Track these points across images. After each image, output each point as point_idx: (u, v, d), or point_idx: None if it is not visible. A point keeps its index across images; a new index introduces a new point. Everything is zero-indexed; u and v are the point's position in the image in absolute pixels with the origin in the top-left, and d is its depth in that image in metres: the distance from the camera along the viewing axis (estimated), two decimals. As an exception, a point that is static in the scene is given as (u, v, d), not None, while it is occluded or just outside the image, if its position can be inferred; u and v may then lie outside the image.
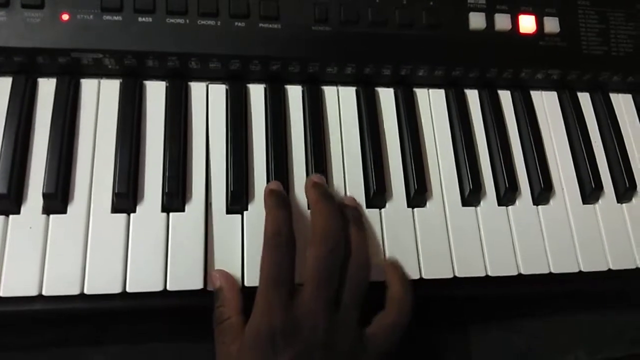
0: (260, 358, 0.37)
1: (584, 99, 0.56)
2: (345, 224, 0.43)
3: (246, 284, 0.43)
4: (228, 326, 0.40)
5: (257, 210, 0.45)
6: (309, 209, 0.46)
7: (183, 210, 0.44)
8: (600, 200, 0.52)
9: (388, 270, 0.45)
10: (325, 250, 0.40)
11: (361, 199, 0.48)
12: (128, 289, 0.41)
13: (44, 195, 0.42)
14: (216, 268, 0.43)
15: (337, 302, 0.40)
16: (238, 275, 0.43)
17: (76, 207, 0.43)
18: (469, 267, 0.47)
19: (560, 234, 0.50)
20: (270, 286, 0.39)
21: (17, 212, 0.42)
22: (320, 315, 0.39)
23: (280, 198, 0.43)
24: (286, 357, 0.37)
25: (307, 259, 0.41)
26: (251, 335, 0.38)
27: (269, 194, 0.43)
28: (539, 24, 0.53)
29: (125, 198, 0.43)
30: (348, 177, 0.48)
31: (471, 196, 0.49)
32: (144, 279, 0.42)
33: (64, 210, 0.43)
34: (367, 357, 0.40)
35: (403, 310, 0.42)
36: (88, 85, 0.47)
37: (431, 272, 0.46)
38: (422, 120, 0.52)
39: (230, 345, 0.39)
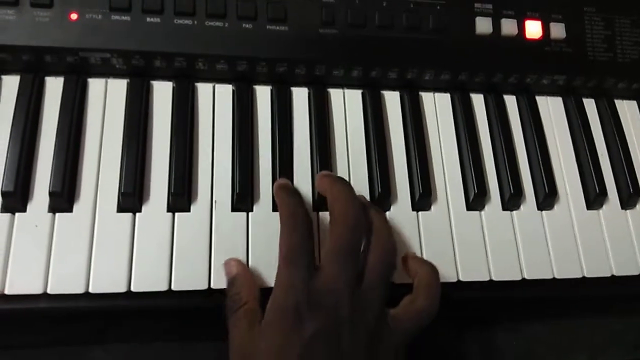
0: (286, 331, 0.37)
1: (589, 105, 0.56)
2: (363, 206, 0.43)
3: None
4: (245, 312, 0.39)
5: (262, 210, 0.46)
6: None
7: (188, 211, 0.45)
8: (604, 206, 0.52)
9: (412, 259, 0.44)
10: (347, 228, 0.40)
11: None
12: (133, 289, 0.41)
13: (50, 194, 0.42)
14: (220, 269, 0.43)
15: (360, 279, 0.40)
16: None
17: (82, 206, 0.43)
18: (472, 272, 0.47)
19: (564, 240, 0.50)
20: (291, 261, 0.38)
21: (24, 210, 0.43)
22: (344, 292, 0.38)
23: (291, 189, 0.43)
24: (311, 329, 0.36)
25: (328, 238, 0.40)
26: (274, 310, 0.38)
27: (279, 187, 0.43)
28: (545, 29, 0.53)
29: (131, 197, 0.43)
30: (353, 179, 0.49)
31: (476, 200, 0.49)
32: (148, 279, 0.42)
33: (69, 209, 0.43)
34: (392, 338, 0.39)
35: (432, 296, 0.41)
36: (95, 85, 0.48)
37: (435, 275, 0.46)
38: (428, 124, 0.52)
39: (248, 331, 0.38)
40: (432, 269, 0.43)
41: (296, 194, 0.43)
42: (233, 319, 0.39)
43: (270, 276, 0.43)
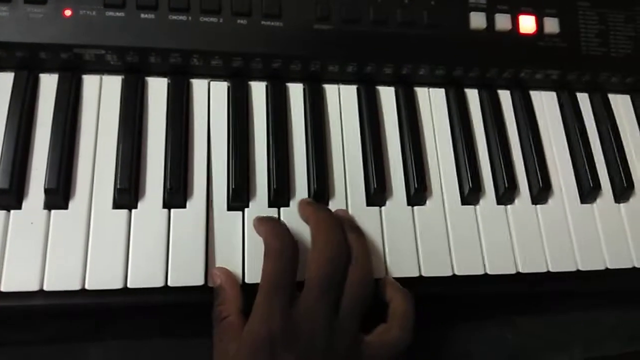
0: None
1: (583, 100, 0.57)
2: (344, 233, 0.43)
3: (247, 280, 0.43)
4: (227, 325, 0.40)
5: (258, 207, 0.46)
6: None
7: (184, 207, 0.45)
8: (598, 200, 0.53)
9: (389, 285, 0.44)
10: (327, 258, 0.40)
11: (361, 196, 0.48)
12: (129, 285, 0.41)
13: (46, 191, 0.42)
14: (217, 265, 0.43)
15: (337, 309, 0.40)
16: (239, 272, 0.44)
17: (77, 202, 0.43)
18: (468, 266, 0.47)
19: (559, 233, 0.50)
20: (272, 292, 0.39)
21: (19, 207, 0.42)
22: (320, 322, 0.39)
23: (276, 220, 0.44)
24: None
25: (308, 266, 0.41)
26: (249, 340, 0.38)
27: (261, 220, 0.44)
28: (539, 24, 0.53)
29: (127, 194, 0.43)
30: (348, 174, 0.49)
31: (470, 195, 0.50)
32: (145, 275, 0.42)
33: (65, 206, 0.43)
34: None
35: (406, 326, 0.42)
36: (90, 81, 0.47)
37: (430, 270, 0.47)
38: (423, 119, 0.52)
39: (228, 344, 0.39)
40: (408, 298, 0.43)
41: (282, 224, 0.43)
42: (216, 329, 0.40)
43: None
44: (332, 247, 0.41)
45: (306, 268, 0.41)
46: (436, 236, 0.48)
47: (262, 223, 0.43)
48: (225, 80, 0.50)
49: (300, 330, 0.38)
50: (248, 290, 0.42)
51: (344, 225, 0.44)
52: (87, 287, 0.41)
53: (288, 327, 0.38)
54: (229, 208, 0.45)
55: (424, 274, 0.46)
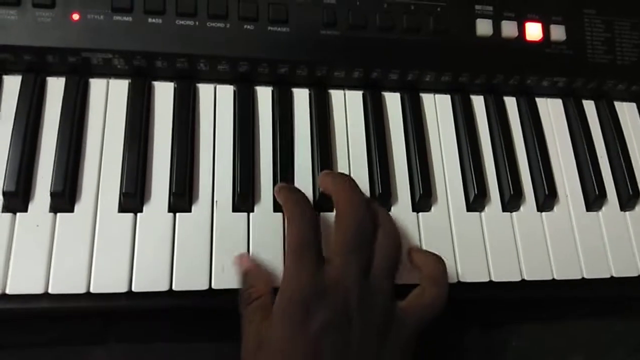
0: (294, 324, 0.37)
1: (589, 107, 0.57)
2: (368, 199, 0.43)
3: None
4: (259, 305, 0.39)
5: (263, 211, 0.46)
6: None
7: (190, 211, 0.45)
8: (603, 208, 0.53)
9: (417, 252, 0.44)
10: (354, 218, 0.40)
11: (366, 202, 0.48)
12: (134, 289, 0.42)
13: (52, 194, 0.42)
14: (224, 271, 0.43)
15: (368, 270, 0.40)
16: (244, 276, 0.43)
17: (83, 206, 0.43)
18: (472, 273, 0.47)
19: (564, 241, 0.50)
20: (299, 251, 0.39)
21: (25, 210, 0.43)
22: (352, 282, 0.38)
23: (292, 187, 0.44)
24: (320, 321, 0.36)
25: (335, 228, 0.40)
26: (282, 302, 0.38)
27: (281, 187, 0.44)
28: (545, 31, 0.53)
29: (133, 198, 0.43)
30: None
31: (476, 202, 0.50)
32: (149, 279, 0.42)
33: (71, 209, 0.43)
34: (402, 330, 0.40)
35: (440, 286, 0.42)
36: (97, 85, 0.48)
37: (435, 276, 0.46)
38: (428, 125, 0.52)
39: (261, 323, 0.38)
40: (438, 260, 0.43)
41: (298, 191, 0.43)
42: (247, 312, 0.40)
43: (271, 276, 0.43)
44: (357, 208, 0.41)
45: (333, 231, 0.40)
46: (441, 243, 0.48)
47: (282, 191, 0.43)
48: (231, 85, 0.50)
49: (333, 287, 0.38)
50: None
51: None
52: (92, 290, 0.41)
53: (320, 284, 0.37)
54: (234, 212, 0.45)
55: (428, 281, 0.46)
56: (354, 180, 0.43)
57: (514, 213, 0.50)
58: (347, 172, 0.49)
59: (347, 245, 0.39)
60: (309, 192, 0.47)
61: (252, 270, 0.42)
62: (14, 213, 0.42)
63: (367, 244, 0.40)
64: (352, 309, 0.38)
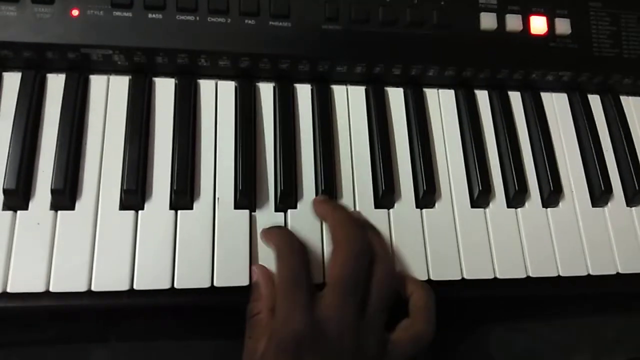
0: None
1: (595, 101, 0.56)
2: (364, 230, 0.43)
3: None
4: (257, 321, 0.40)
5: (265, 208, 0.46)
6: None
7: (191, 208, 0.44)
8: (609, 204, 0.52)
9: (407, 279, 0.44)
10: (351, 255, 0.40)
11: (369, 199, 0.48)
12: (135, 287, 0.41)
13: (52, 191, 0.42)
14: (224, 268, 0.43)
15: (363, 307, 0.40)
16: (246, 273, 0.43)
17: (84, 203, 0.43)
18: (477, 269, 0.47)
19: (569, 237, 0.50)
20: (290, 290, 0.38)
21: (25, 207, 0.42)
22: (347, 322, 0.38)
23: (277, 227, 0.44)
24: None
25: (330, 265, 0.40)
26: (276, 341, 0.37)
27: (266, 230, 0.44)
28: (550, 25, 0.52)
29: (134, 195, 0.43)
30: (357, 176, 0.48)
31: (480, 197, 0.49)
32: (151, 277, 0.42)
33: (72, 207, 0.43)
34: None
35: (429, 319, 0.41)
36: (97, 82, 0.47)
37: (439, 273, 0.46)
38: (432, 121, 0.52)
39: (257, 342, 0.39)
40: (428, 291, 0.43)
41: (288, 230, 0.43)
42: (249, 323, 0.40)
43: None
44: (355, 244, 0.40)
45: (329, 267, 0.40)
46: (445, 239, 0.47)
47: (268, 232, 0.43)
48: (232, 81, 0.50)
49: (327, 330, 0.37)
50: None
51: (361, 222, 0.44)
52: (93, 288, 0.41)
53: (313, 326, 0.37)
54: (236, 209, 0.45)
55: (432, 278, 0.46)
56: (350, 213, 0.44)
57: (518, 209, 0.50)
58: (349, 169, 0.48)
59: (343, 284, 0.39)
60: (311, 188, 0.47)
61: (258, 284, 0.42)
62: (15, 211, 0.42)
63: (364, 281, 0.40)
64: (346, 349, 0.37)
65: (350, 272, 0.39)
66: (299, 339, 0.36)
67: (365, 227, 0.44)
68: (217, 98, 0.49)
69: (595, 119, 0.55)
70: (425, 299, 0.42)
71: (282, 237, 0.41)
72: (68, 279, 0.41)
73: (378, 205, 0.48)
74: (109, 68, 0.47)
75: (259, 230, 0.44)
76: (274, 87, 0.50)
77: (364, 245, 0.41)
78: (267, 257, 0.43)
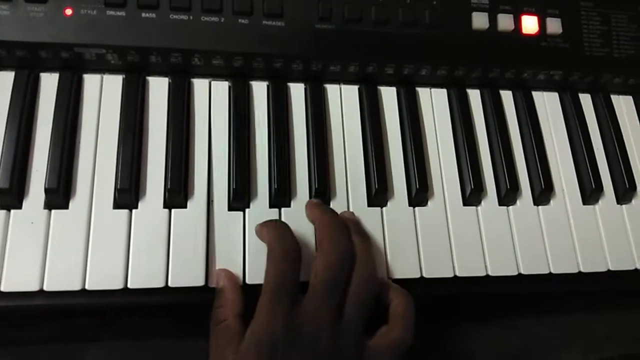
0: None
1: (586, 100, 0.56)
2: (349, 235, 0.43)
3: (247, 281, 0.43)
4: (224, 328, 0.40)
5: (258, 207, 0.46)
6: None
7: (185, 207, 0.44)
8: (600, 201, 0.53)
9: (389, 286, 0.44)
10: (332, 261, 0.40)
11: (362, 197, 0.48)
12: (129, 285, 0.41)
13: (46, 190, 0.42)
14: (218, 266, 0.43)
15: (341, 312, 0.40)
16: (239, 272, 0.43)
17: (78, 202, 0.43)
18: (469, 267, 0.47)
19: (561, 235, 0.50)
20: (275, 295, 0.39)
21: (19, 206, 0.42)
22: (324, 325, 0.39)
23: (279, 223, 0.43)
24: None
25: (313, 268, 0.40)
26: (252, 343, 0.38)
27: (265, 223, 0.44)
28: (542, 24, 0.53)
29: (128, 194, 0.43)
30: (350, 175, 0.49)
31: (472, 196, 0.49)
32: (145, 275, 0.42)
33: (65, 206, 0.43)
34: None
35: (408, 326, 0.42)
36: (91, 81, 0.47)
37: (432, 271, 0.46)
38: (424, 119, 0.52)
39: (224, 349, 0.39)
40: (407, 299, 0.43)
41: (285, 227, 0.43)
42: (213, 331, 0.40)
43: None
44: (336, 250, 0.41)
45: (311, 270, 0.40)
46: (437, 237, 0.48)
47: (265, 226, 0.43)
48: (226, 80, 0.50)
49: (304, 332, 0.38)
50: (248, 291, 0.42)
51: (350, 227, 0.44)
52: (87, 287, 0.41)
53: (292, 329, 0.38)
54: (230, 208, 0.45)
55: (425, 275, 0.46)
56: (340, 218, 0.44)
57: (510, 207, 0.50)
58: (343, 167, 0.49)
59: (322, 287, 0.39)
60: (304, 187, 0.47)
61: (224, 290, 0.41)
62: (8, 210, 0.42)
63: (343, 287, 0.40)
64: (322, 352, 0.38)
65: (329, 276, 0.40)
66: (277, 340, 0.37)
67: (354, 232, 0.44)
68: (211, 97, 0.49)
69: (586, 117, 0.55)
70: (405, 305, 0.42)
71: (276, 236, 0.41)
72: (62, 278, 0.41)
73: (371, 203, 0.48)
74: (102, 67, 0.47)
75: (252, 229, 0.44)
76: (268, 86, 0.50)
77: (345, 252, 0.41)
78: (262, 255, 0.43)
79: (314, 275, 0.40)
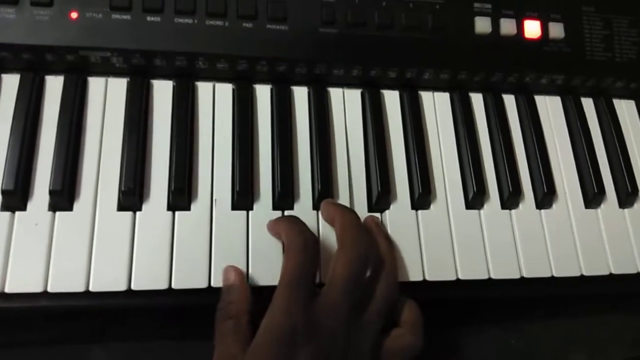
0: (278, 356, 0.36)
1: (588, 104, 0.57)
2: (373, 237, 0.43)
3: (250, 283, 0.43)
4: (232, 325, 0.39)
5: (262, 209, 0.46)
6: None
7: (189, 209, 0.45)
8: (602, 205, 0.53)
9: (404, 300, 0.44)
10: (354, 257, 0.40)
11: (365, 200, 0.48)
12: (133, 287, 0.42)
13: (51, 192, 0.42)
14: (222, 270, 0.43)
15: (361, 309, 0.40)
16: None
17: (82, 204, 0.43)
18: (472, 270, 0.47)
19: (563, 238, 0.50)
20: (294, 286, 0.38)
21: (24, 208, 0.43)
22: (342, 319, 0.38)
23: (295, 219, 0.43)
24: (304, 355, 0.36)
25: (333, 264, 0.40)
26: (268, 332, 0.37)
27: (280, 219, 0.44)
28: (544, 29, 0.53)
29: (132, 196, 0.43)
30: (353, 178, 0.49)
31: (475, 199, 0.50)
32: (149, 277, 0.42)
33: (70, 208, 0.43)
34: None
35: (418, 333, 0.42)
36: (95, 84, 0.48)
37: (434, 274, 0.46)
38: (427, 123, 0.52)
39: (231, 346, 0.38)
40: (417, 309, 0.43)
41: (301, 221, 0.42)
42: (220, 327, 0.40)
43: (269, 275, 0.43)
44: (359, 247, 0.41)
45: (331, 266, 0.40)
46: (440, 240, 0.48)
47: (280, 221, 0.43)
48: (230, 83, 0.50)
49: (322, 325, 0.37)
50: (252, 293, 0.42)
51: (372, 228, 0.44)
52: (91, 289, 0.41)
53: (309, 321, 0.37)
54: (234, 210, 0.45)
55: (428, 279, 0.46)
56: (359, 217, 0.43)
57: (512, 210, 0.50)
58: (345, 170, 0.49)
59: (343, 282, 0.39)
60: (307, 189, 0.47)
61: (234, 286, 0.41)
62: (13, 212, 0.42)
63: (366, 285, 0.41)
64: (338, 347, 0.37)
65: (351, 273, 0.39)
66: (295, 331, 0.36)
67: (377, 233, 0.44)
68: (215, 100, 0.49)
69: (588, 121, 0.55)
70: (415, 315, 0.43)
71: (294, 229, 0.41)
72: (66, 280, 0.41)
73: (374, 207, 0.48)
74: (107, 70, 0.48)
75: (255, 231, 0.45)
76: (271, 90, 0.51)
77: (368, 249, 0.41)
78: (265, 257, 0.44)
79: (332, 271, 0.40)
